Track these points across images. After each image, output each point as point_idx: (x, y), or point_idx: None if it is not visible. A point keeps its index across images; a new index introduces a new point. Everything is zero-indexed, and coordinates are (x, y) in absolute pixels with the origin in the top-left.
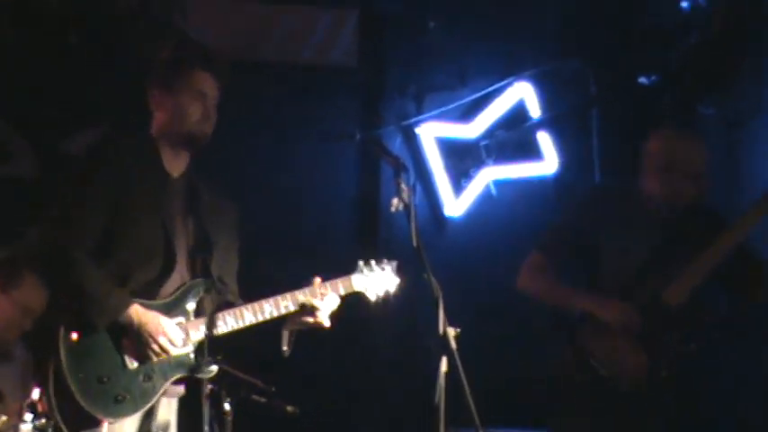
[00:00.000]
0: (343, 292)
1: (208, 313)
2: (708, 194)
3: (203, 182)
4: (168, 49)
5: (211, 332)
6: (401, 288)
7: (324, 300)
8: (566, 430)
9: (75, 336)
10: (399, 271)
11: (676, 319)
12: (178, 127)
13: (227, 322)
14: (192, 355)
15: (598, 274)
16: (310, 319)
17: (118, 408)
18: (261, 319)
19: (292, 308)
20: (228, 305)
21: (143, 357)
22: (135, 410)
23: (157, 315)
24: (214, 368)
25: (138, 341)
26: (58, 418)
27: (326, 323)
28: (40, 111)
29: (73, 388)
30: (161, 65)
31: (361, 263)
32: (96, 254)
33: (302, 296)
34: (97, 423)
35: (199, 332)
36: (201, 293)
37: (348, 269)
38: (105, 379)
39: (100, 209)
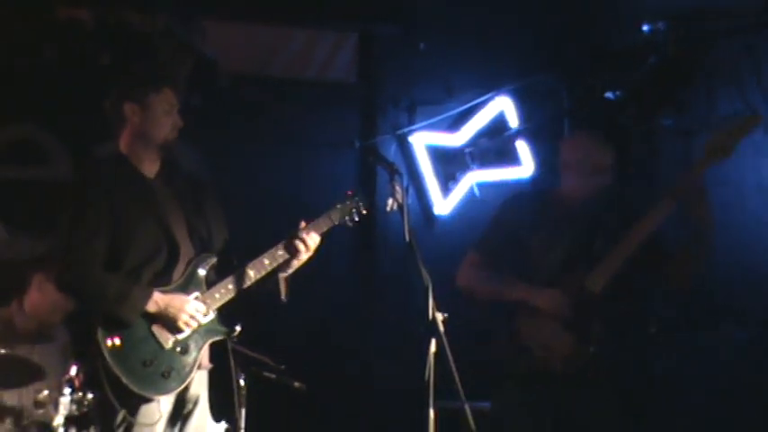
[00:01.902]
0: (326, 228)
1: (234, 274)
2: (617, 184)
3: (177, 174)
4: (137, 67)
5: (240, 291)
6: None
7: (308, 237)
8: (506, 408)
9: (117, 341)
10: (364, 196)
11: (601, 305)
12: (153, 137)
13: (237, 283)
14: (216, 320)
15: (529, 267)
16: (298, 257)
17: (167, 383)
18: (263, 272)
19: (286, 254)
20: (233, 269)
21: (177, 332)
22: (182, 382)
23: (177, 294)
24: (237, 328)
25: (168, 320)
26: (116, 404)
27: (307, 256)
28: (77, 120)
29: (125, 380)
30: (132, 81)
31: (338, 205)
32: (108, 264)
33: (292, 240)
34: (150, 399)
35: (215, 299)
36: (209, 265)
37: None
38: (149, 362)
39: (100, 229)
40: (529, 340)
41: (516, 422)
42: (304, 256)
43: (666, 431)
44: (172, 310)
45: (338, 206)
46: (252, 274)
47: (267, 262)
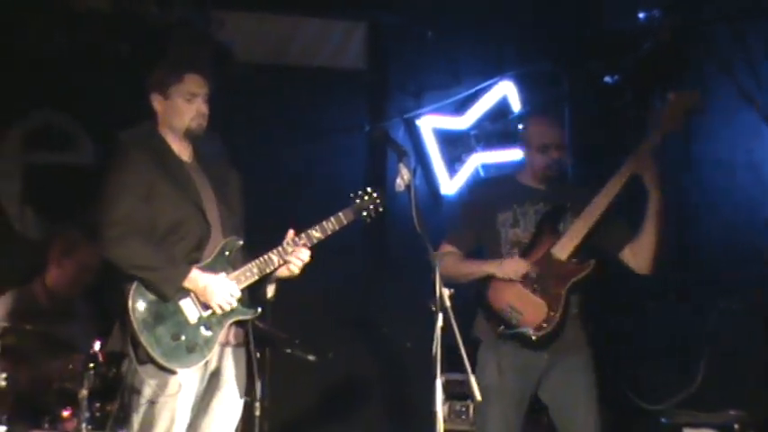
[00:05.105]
0: (329, 231)
1: (259, 258)
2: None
3: (209, 160)
4: (164, 58)
5: (263, 276)
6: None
7: (293, 255)
8: (489, 376)
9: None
10: (381, 189)
11: (566, 272)
12: (177, 125)
13: (261, 267)
14: (240, 302)
15: (499, 245)
16: (286, 271)
17: (191, 357)
18: (286, 257)
19: (278, 262)
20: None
21: (206, 310)
22: (203, 357)
23: (216, 276)
24: (258, 309)
25: (206, 299)
26: (143, 375)
27: (296, 272)
28: (100, 107)
29: (153, 353)
30: (157, 73)
31: (352, 195)
32: (146, 237)
33: (283, 249)
34: (174, 372)
35: (241, 282)
36: (236, 249)
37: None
38: (175, 336)
39: (139, 202)
40: (502, 311)
41: (501, 387)
42: (294, 268)
43: (658, 398)
44: (210, 291)
45: (357, 201)
46: (276, 260)
47: (290, 250)
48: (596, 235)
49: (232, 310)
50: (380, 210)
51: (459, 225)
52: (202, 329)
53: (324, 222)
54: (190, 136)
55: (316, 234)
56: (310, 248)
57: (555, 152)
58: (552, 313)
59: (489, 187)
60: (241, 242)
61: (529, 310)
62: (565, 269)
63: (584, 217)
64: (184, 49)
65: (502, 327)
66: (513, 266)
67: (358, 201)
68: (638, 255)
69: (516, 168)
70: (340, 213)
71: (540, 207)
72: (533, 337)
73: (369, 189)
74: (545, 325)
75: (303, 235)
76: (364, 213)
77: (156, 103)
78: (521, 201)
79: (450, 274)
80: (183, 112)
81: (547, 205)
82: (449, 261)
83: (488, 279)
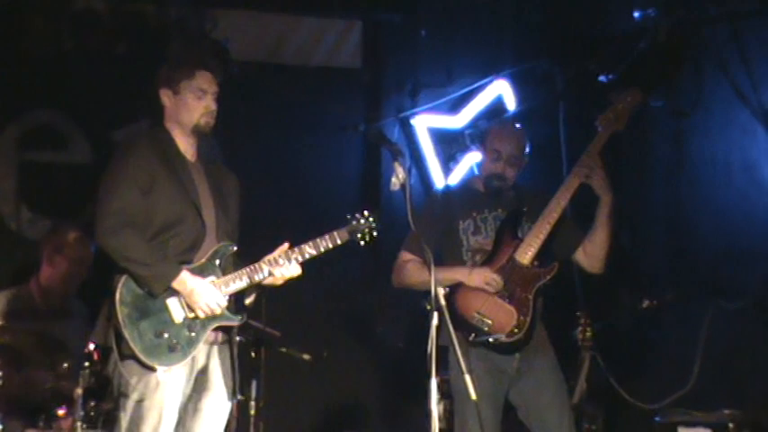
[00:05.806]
0: (322, 249)
1: (249, 266)
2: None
3: (209, 162)
4: (173, 53)
5: (252, 283)
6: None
7: (283, 268)
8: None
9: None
10: (377, 213)
11: (531, 277)
12: (186, 121)
13: (250, 275)
14: (226, 307)
15: (460, 252)
16: (271, 279)
17: (172, 356)
18: (275, 267)
19: (268, 272)
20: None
21: (191, 312)
22: (185, 357)
23: (204, 281)
24: (243, 316)
25: (191, 302)
26: (124, 372)
27: (279, 282)
28: (95, 106)
29: (136, 349)
30: (167, 68)
31: (348, 216)
32: (142, 231)
33: (275, 260)
34: (153, 369)
35: (229, 288)
36: (227, 256)
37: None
38: (159, 334)
39: (136, 193)
40: (471, 318)
41: (476, 389)
42: (278, 277)
43: (653, 397)
44: (196, 295)
45: (352, 223)
46: (266, 270)
47: (282, 262)
48: (553, 237)
49: (216, 316)
50: (375, 234)
51: (419, 232)
52: (186, 330)
53: (318, 239)
54: (197, 133)
55: (309, 250)
56: (301, 263)
57: (503, 164)
58: (523, 318)
59: (448, 195)
60: (234, 248)
61: (499, 316)
62: (529, 274)
63: (542, 220)
64: (193, 47)
65: (473, 335)
66: (481, 276)
67: (354, 222)
68: (590, 255)
69: (473, 176)
70: (334, 232)
71: (499, 213)
72: (506, 343)
73: (365, 212)
74: (517, 330)
75: (296, 249)
76: (358, 235)
77: (165, 98)
78: (479, 208)
79: (413, 282)
80: (193, 108)
81: (504, 211)
82: (411, 269)
83: (455, 286)
